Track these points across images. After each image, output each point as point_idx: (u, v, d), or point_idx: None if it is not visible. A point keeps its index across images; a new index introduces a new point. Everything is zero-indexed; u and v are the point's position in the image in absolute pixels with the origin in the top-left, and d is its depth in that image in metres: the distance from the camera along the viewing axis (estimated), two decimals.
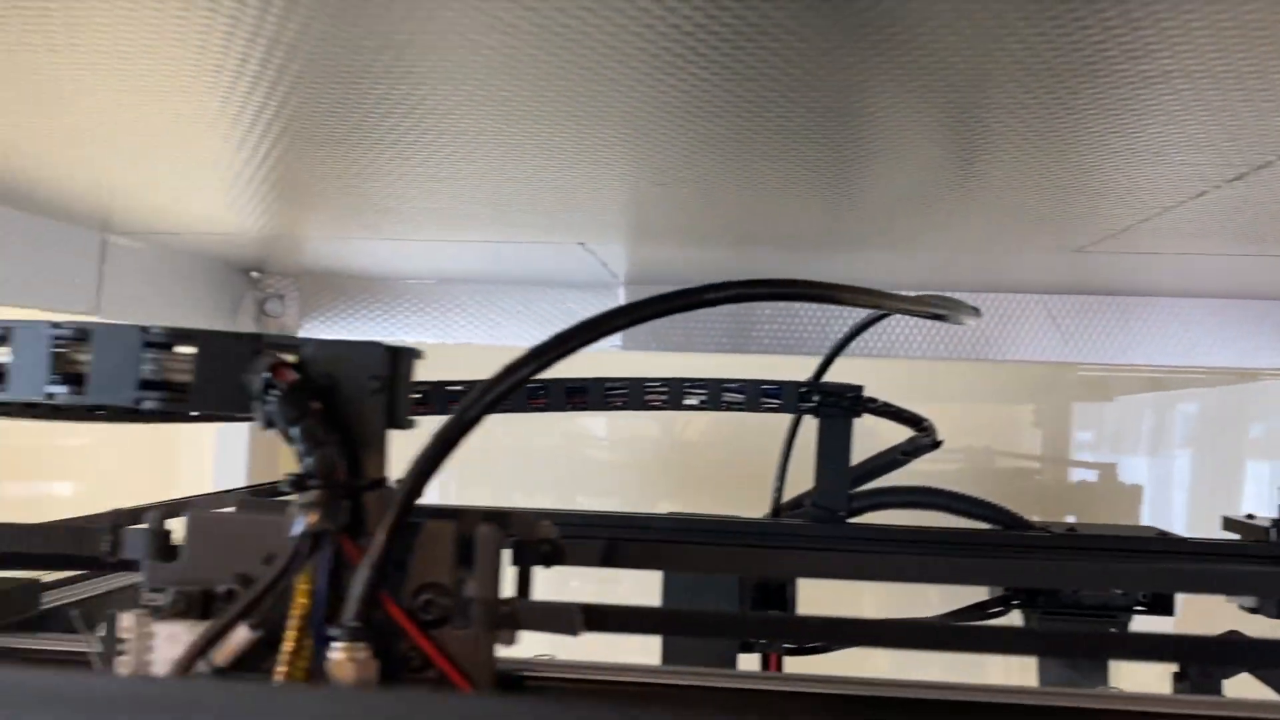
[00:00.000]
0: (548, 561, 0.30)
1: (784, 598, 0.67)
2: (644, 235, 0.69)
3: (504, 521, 0.29)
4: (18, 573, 0.35)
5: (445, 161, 0.47)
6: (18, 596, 0.34)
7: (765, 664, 0.63)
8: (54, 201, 0.59)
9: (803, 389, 0.69)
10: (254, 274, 0.85)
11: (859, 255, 0.73)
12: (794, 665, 0.65)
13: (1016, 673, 0.66)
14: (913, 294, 0.49)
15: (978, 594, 0.71)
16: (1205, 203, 0.49)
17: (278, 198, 0.58)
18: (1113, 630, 0.67)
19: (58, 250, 0.63)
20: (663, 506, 1.04)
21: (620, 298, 0.85)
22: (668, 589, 0.64)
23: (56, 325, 0.27)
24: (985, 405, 1.03)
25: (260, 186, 0.54)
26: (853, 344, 0.77)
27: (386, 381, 0.27)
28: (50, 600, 0.35)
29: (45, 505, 1.05)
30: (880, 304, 0.41)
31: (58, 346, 0.27)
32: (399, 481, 0.27)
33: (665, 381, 0.69)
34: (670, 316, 0.36)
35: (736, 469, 1.04)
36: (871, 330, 0.82)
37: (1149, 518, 0.98)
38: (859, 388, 0.70)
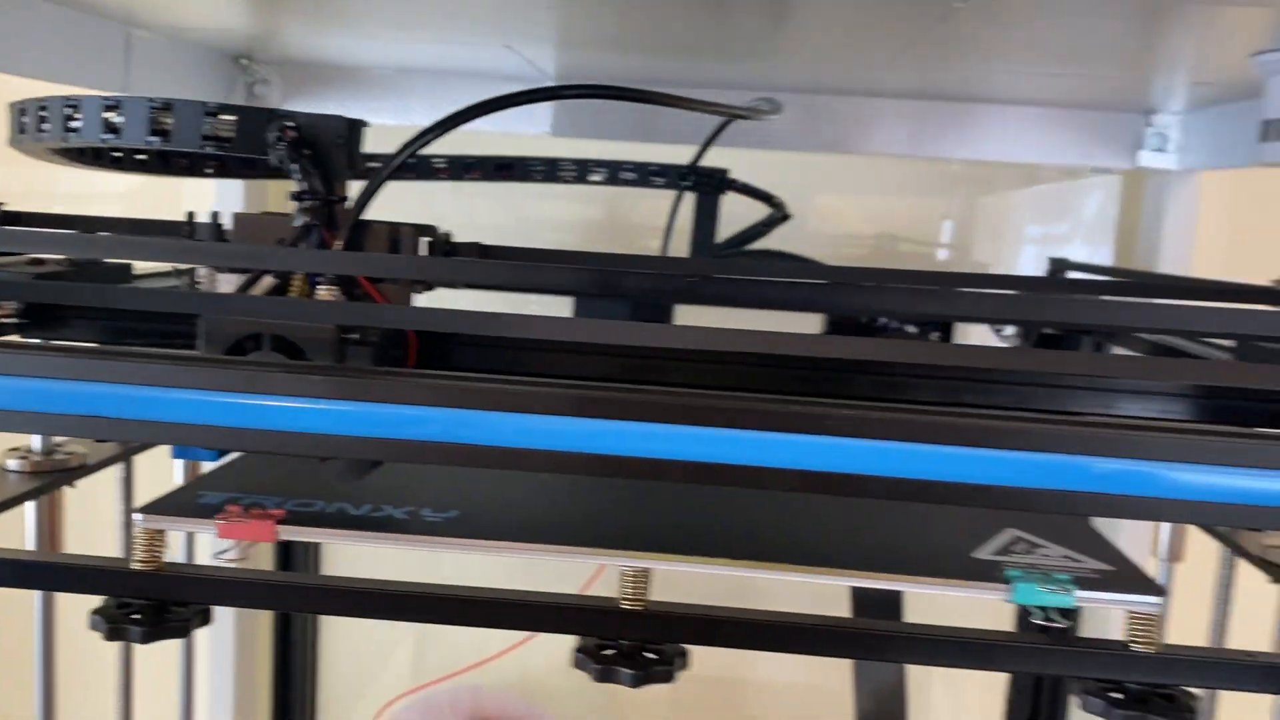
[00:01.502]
0: (447, 254, 0.50)
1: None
2: (573, 41, 0.86)
3: (423, 230, 0.49)
4: None
5: None
6: (116, 273, 0.54)
7: None
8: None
9: (682, 171, 0.88)
10: (243, 61, 1.02)
11: (765, 63, 0.90)
12: None
13: None
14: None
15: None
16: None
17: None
18: None
19: (89, 39, 0.80)
20: None
21: None
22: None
23: (150, 100, 0.46)
24: (903, 198, 1.21)
25: None
26: (747, 138, 0.96)
27: (346, 139, 0.46)
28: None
29: None
30: (693, 107, 0.60)
31: (152, 112, 0.46)
32: (356, 199, 0.46)
33: (575, 161, 0.88)
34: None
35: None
36: (759, 127, 1.00)
37: None
38: (724, 171, 0.89)
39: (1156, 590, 0.42)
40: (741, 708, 1.27)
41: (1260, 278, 0.65)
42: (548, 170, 0.87)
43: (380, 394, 0.32)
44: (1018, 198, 1.19)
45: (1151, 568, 0.72)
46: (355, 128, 0.46)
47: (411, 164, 0.86)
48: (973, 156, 1.00)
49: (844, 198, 1.23)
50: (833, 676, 1.08)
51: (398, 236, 0.47)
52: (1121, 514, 0.39)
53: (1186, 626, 0.66)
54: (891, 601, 0.86)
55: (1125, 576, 0.43)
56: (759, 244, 0.95)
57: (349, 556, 1.12)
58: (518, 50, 0.86)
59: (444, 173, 0.84)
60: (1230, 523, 0.52)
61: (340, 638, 1.23)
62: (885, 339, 0.52)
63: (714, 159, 0.95)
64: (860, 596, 0.85)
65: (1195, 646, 0.43)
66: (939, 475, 0.32)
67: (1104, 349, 0.76)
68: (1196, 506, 0.38)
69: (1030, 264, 1.19)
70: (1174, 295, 0.70)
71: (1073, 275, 0.86)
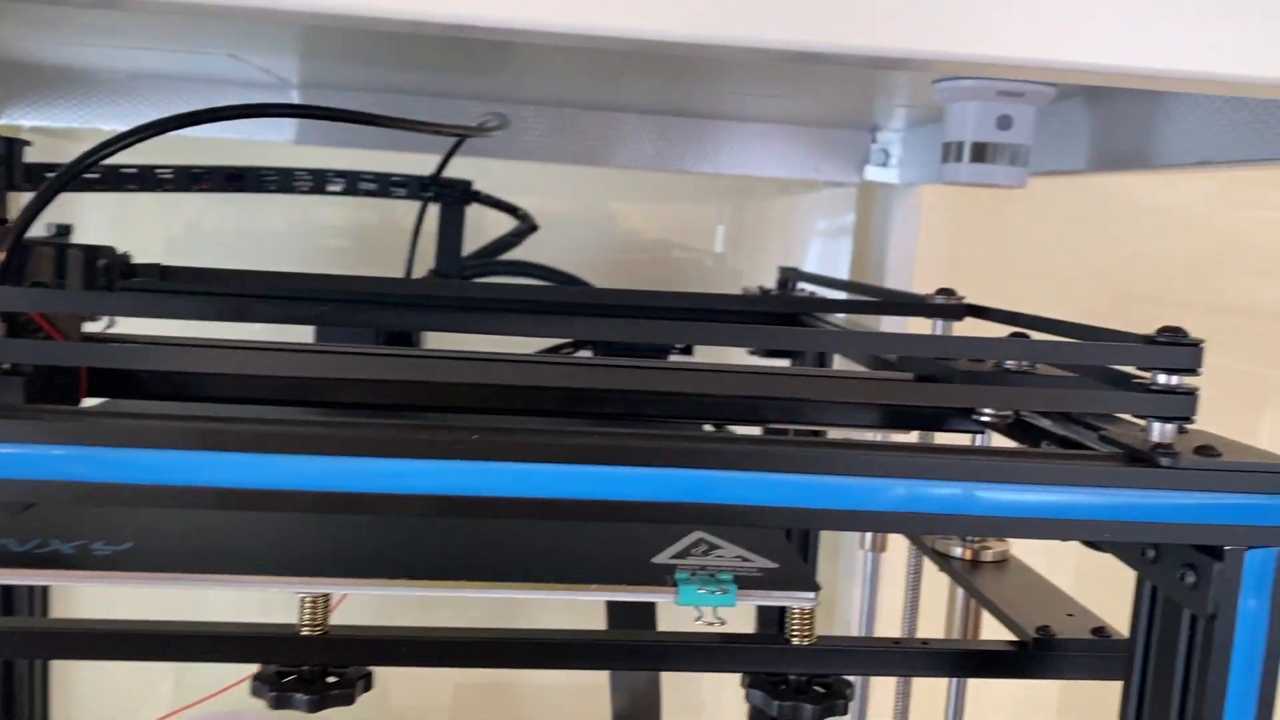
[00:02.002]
0: (125, 275, 0.48)
1: (411, 341, 0.88)
2: (315, 52, 0.84)
3: (97, 251, 0.47)
4: None
5: None
6: None
7: None
8: None
9: (425, 181, 0.88)
10: None
11: (506, 76, 0.90)
12: None
13: None
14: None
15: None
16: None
17: None
18: None
19: None
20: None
21: (294, 99, 1.00)
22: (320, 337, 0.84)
23: None
24: (682, 206, 1.24)
25: None
26: (497, 149, 0.97)
27: (5, 158, 0.44)
28: None
29: None
30: (409, 127, 0.60)
31: None
32: (16, 219, 0.44)
33: (311, 171, 0.86)
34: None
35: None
36: (507, 138, 1.01)
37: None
38: (468, 182, 0.90)
39: (813, 586, 0.46)
40: (516, 710, 1.28)
41: (974, 282, 0.70)
42: (282, 180, 0.85)
43: None
44: (775, 207, 1.25)
45: (860, 558, 0.77)
46: (15, 146, 0.45)
47: (134, 174, 0.83)
48: (714, 170, 1.04)
49: (632, 204, 1.25)
50: (599, 676, 1.11)
51: (64, 258, 0.46)
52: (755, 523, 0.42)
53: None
54: (646, 610, 0.88)
55: (788, 574, 0.46)
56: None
57: (89, 595, 1.07)
58: (244, 60, 0.84)
59: (169, 184, 0.81)
60: (904, 530, 0.56)
61: (92, 665, 1.17)
62: (572, 362, 0.53)
63: (485, 169, 0.95)
64: (614, 608, 0.87)
65: (848, 637, 0.47)
66: (559, 494, 0.34)
67: (826, 358, 0.81)
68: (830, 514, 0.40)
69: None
70: (865, 308, 0.75)
71: (801, 284, 0.91)
